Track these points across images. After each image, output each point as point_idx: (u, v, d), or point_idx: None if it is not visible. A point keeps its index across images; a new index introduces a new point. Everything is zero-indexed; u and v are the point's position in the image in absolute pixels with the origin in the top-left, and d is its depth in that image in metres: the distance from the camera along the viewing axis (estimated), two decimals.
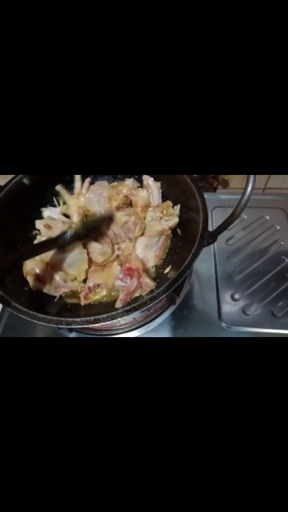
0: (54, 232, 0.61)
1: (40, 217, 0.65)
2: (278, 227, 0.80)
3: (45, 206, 0.67)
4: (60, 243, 0.57)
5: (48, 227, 0.61)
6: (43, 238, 0.62)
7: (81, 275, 0.59)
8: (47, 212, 0.65)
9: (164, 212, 0.64)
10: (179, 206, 0.64)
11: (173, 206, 0.65)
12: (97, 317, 0.48)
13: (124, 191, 0.66)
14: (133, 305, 0.47)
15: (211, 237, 0.52)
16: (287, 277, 0.71)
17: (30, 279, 0.56)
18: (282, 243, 0.77)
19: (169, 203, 0.66)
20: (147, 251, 0.61)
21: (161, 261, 0.63)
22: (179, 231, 0.64)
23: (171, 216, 0.63)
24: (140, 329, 0.64)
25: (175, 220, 0.63)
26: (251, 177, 0.43)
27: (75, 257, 0.59)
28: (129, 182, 0.67)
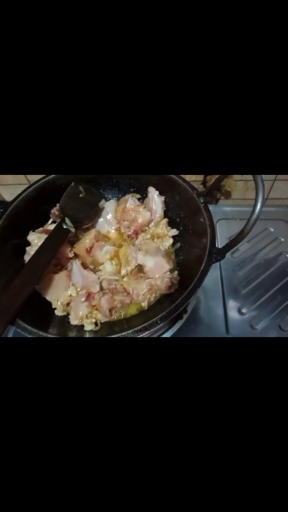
0: None
1: None
2: (283, 239, 0.80)
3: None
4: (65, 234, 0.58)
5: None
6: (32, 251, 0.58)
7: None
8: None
9: (158, 232, 0.65)
10: (175, 231, 0.65)
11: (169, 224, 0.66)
12: (104, 337, 0.48)
13: (131, 212, 0.65)
14: (143, 325, 0.46)
15: (220, 254, 0.52)
16: None
17: None
18: (287, 255, 0.77)
19: (163, 222, 0.66)
20: (154, 257, 0.60)
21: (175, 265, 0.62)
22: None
23: (165, 238, 0.64)
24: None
25: (169, 241, 0.64)
26: (260, 196, 0.43)
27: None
28: (130, 200, 0.66)
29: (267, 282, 0.73)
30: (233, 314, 0.68)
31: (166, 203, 0.67)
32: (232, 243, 0.50)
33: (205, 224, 0.56)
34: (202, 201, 0.60)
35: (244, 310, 0.69)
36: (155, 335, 0.63)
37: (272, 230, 0.82)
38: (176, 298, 0.50)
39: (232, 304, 0.70)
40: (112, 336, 0.47)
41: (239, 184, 0.86)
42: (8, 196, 0.61)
